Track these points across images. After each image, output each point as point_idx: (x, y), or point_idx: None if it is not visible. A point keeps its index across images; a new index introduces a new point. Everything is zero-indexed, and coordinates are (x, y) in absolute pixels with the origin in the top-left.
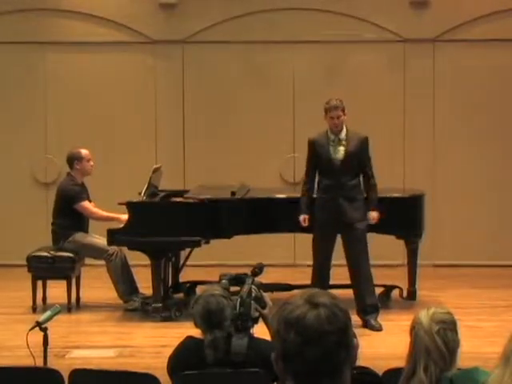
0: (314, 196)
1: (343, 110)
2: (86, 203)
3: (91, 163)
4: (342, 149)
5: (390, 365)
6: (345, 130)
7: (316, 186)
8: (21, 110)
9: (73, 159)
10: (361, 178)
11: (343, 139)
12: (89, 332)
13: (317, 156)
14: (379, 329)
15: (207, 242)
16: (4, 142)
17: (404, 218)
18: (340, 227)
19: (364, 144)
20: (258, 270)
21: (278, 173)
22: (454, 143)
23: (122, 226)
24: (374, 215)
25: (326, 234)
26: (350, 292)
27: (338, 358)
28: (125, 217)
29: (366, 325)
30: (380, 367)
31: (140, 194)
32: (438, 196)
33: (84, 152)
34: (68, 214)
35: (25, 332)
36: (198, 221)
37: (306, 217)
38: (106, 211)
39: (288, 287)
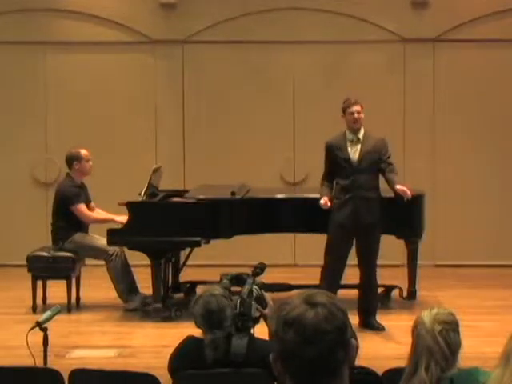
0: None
1: (362, 108)
2: (81, 206)
3: (90, 163)
4: (358, 148)
5: (390, 365)
6: (363, 130)
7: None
8: (21, 110)
9: (72, 159)
10: (379, 179)
11: (361, 139)
12: (89, 332)
13: (334, 158)
14: (382, 329)
15: (207, 242)
16: (4, 142)
17: (404, 218)
18: (356, 229)
19: (381, 145)
20: (259, 269)
21: (278, 173)
22: (454, 143)
23: (122, 226)
24: (404, 188)
25: (343, 237)
26: (353, 292)
27: (336, 357)
28: (119, 218)
29: (368, 325)
30: (380, 367)
31: (140, 194)
32: (438, 196)
33: (83, 152)
34: (67, 215)
35: (25, 332)
36: (198, 221)
37: (326, 198)
38: (104, 211)
39: (288, 287)
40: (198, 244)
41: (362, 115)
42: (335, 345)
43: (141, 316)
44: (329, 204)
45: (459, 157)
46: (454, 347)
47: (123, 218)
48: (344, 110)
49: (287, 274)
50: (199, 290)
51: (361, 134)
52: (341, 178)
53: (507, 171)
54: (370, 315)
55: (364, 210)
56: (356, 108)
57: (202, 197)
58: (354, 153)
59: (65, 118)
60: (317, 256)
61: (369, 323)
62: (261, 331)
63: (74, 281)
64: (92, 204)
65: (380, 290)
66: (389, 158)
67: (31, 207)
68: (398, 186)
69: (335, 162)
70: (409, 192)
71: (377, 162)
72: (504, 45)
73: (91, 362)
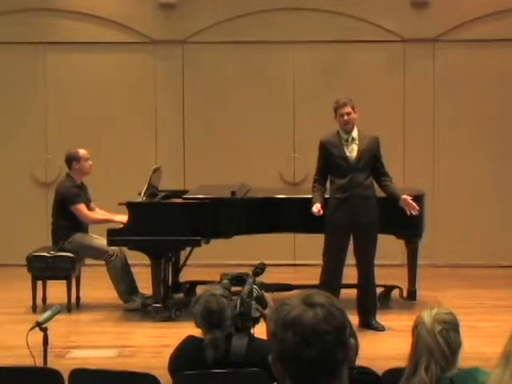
0: (326, 196)
1: (353, 108)
2: (80, 206)
3: (89, 162)
4: (355, 147)
5: (390, 365)
6: (356, 129)
7: (328, 187)
8: (21, 110)
9: (71, 159)
10: (372, 177)
11: (356, 138)
12: (89, 332)
13: (330, 156)
14: (382, 329)
15: (207, 242)
16: (4, 142)
17: (404, 218)
18: (353, 228)
19: (375, 143)
20: (259, 269)
21: (278, 173)
22: (454, 143)
23: (121, 226)
24: (411, 200)
25: (340, 235)
26: (353, 292)
27: (335, 357)
28: (118, 217)
29: (368, 325)
30: (380, 367)
31: (140, 194)
32: (438, 196)
33: (82, 152)
34: (67, 215)
35: (25, 332)
36: (198, 221)
37: (319, 205)
38: (104, 211)
39: (288, 287)
40: (198, 244)
41: (354, 115)
42: (334, 345)
43: (141, 316)
44: (321, 212)
45: (459, 157)
46: (454, 347)
47: (123, 218)
48: (335, 111)
49: (287, 274)
50: (199, 290)
51: (355, 133)
52: (336, 177)
53: (507, 171)
54: (370, 315)
55: (362, 208)
56: (345, 110)
57: (202, 197)
58: (351, 151)
59: (65, 118)
60: (317, 256)
61: (369, 323)
62: (261, 331)
63: (74, 281)
64: (92, 204)
65: (380, 290)
66: (381, 157)
67: (31, 207)
68: (408, 199)
69: (330, 161)
70: (416, 206)
71: (372, 161)
72: (504, 45)
73: (91, 362)
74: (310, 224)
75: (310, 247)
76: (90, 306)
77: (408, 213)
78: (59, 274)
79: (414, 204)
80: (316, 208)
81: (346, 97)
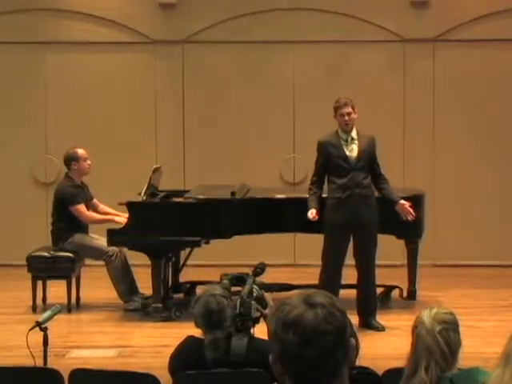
0: (324, 196)
1: (353, 108)
2: (80, 207)
3: (88, 162)
4: (355, 147)
5: (390, 365)
6: (355, 129)
7: (326, 187)
8: (21, 110)
9: (70, 160)
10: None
11: (355, 138)
12: (89, 332)
13: (329, 156)
14: (382, 329)
15: (207, 242)
16: (4, 142)
17: None
18: (354, 227)
19: (372, 143)
20: (259, 269)
21: (278, 173)
22: (454, 143)
23: (121, 226)
24: (408, 206)
25: (340, 235)
26: (353, 292)
27: (336, 357)
28: (119, 218)
29: (368, 325)
30: (380, 367)
31: (140, 194)
32: (438, 196)
33: (80, 152)
34: (66, 216)
35: (25, 332)
36: (198, 221)
37: (314, 210)
38: (108, 207)
39: (288, 287)
40: (198, 244)
41: (354, 115)
42: (335, 345)
43: (141, 316)
44: (316, 218)
45: (459, 157)
46: (453, 347)
47: (123, 219)
48: (335, 111)
49: (287, 274)
50: (199, 290)
51: (354, 133)
52: (336, 177)
53: (507, 171)
54: (370, 315)
55: (362, 207)
56: (346, 110)
57: (202, 197)
58: (351, 151)
59: (65, 118)
60: (317, 256)
61: (369, 323)
62: (261, 331)
63: (74, 281)
64: (94, 200)
65: (380, 290)
66: (377, 158)
67: (31, 207)
68: (405, 205)
69: (330, 161)
70: (412, 212)
71: (370, 160)
72: (504, 45)
73: (91, 361)
74: (309, 224)
75: (309, 247)
76: (89, 306)
77: (404, 218)
78: (59, 274)
79: (411, 210)
80: (311, 214)
81: (346, 97)
